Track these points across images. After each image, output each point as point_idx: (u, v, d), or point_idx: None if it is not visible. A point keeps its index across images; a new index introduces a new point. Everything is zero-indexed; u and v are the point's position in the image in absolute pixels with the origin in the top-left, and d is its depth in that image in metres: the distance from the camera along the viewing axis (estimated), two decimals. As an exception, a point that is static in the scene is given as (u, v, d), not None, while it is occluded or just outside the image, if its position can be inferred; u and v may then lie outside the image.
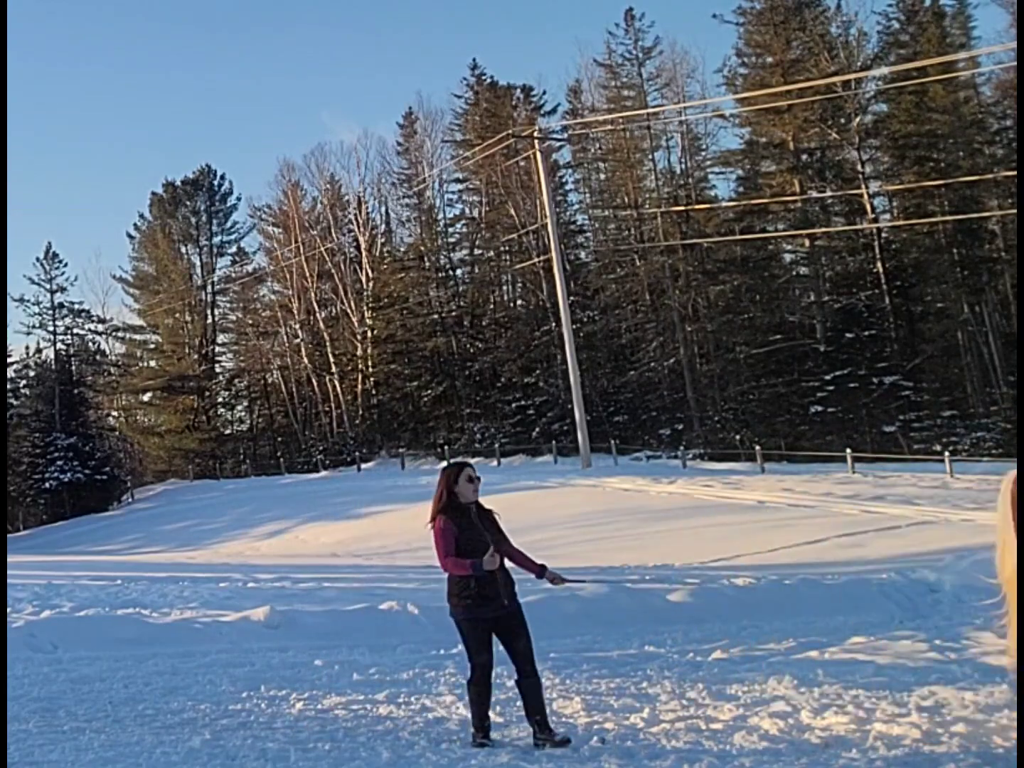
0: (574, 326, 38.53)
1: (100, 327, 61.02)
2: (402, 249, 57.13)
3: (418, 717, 6.97)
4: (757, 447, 33.14)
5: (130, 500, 50.71)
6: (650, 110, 46.05)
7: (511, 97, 53.01)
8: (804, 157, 44.27)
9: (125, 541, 34.95)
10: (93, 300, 77.64)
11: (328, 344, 54.24)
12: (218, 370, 61.61)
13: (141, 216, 62.13)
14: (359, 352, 53.26)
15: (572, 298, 40.51)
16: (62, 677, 8.47)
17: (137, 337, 64.12)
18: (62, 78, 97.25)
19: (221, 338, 62.44)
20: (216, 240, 60.89)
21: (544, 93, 53.98)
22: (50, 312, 56.40)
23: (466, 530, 6.11)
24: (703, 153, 51.09)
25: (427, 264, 54.57)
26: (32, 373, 60.95)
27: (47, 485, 50.54)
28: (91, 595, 13.93)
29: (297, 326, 55.47)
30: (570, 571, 9.70)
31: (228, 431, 62.00)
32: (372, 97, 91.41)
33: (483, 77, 53.92)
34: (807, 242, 44.04)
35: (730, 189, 50.26)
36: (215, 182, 60.74)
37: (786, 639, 9.65)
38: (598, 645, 9.81)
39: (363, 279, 53.72)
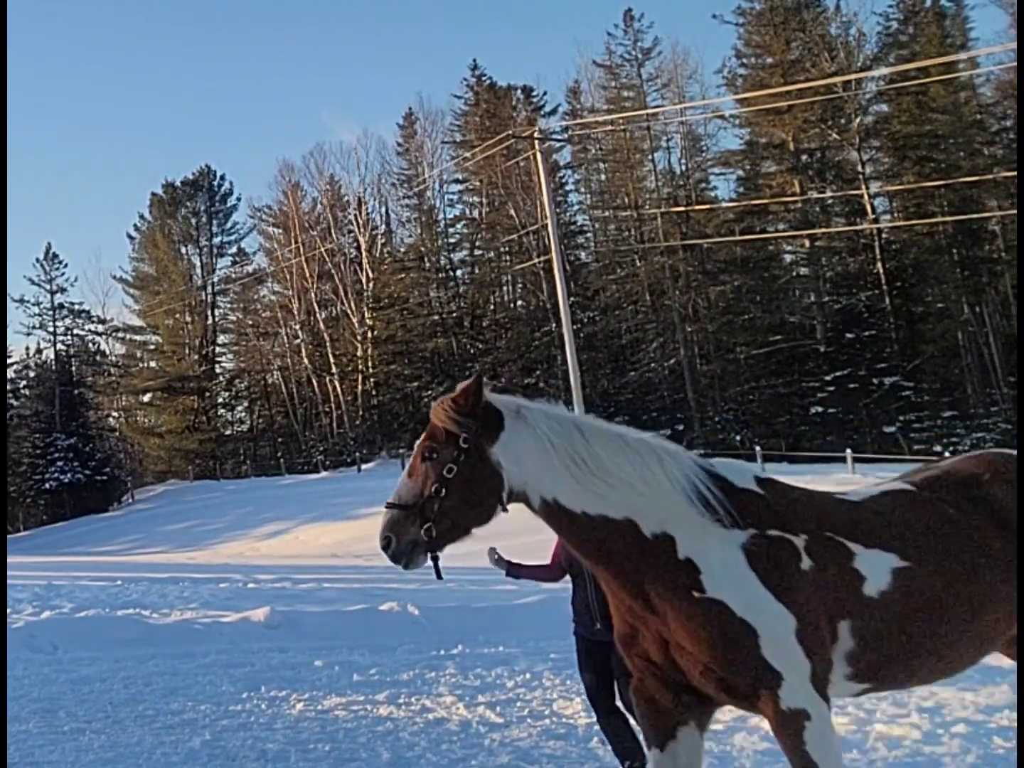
0: (574, 327, 38.47)
1: (100, 328, 61.29)
2: (402, 250, 57.13)
3: (418, 718, 6.97)
4: (757, 448, 33.10)
5: (130, 501, 50.69)
6: (650, 111, 46.00)
7: (511, 98, 53.05)
8: (804, 158, 44.26)
9: (125, 542, 34.97)
10: (93, 301, 76.59)
11: (328, 345, 54.21)
12: (218, 371, 61.63)
13: (141, 217, 62.22)
14: (359, 353, 53.23)
15: (572, 299, 40.45)
16: (62, 678, 8.47)
17: (137, 338, 64.11)
18: (62, 78, 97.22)
19: (221, 339, 62.50)
20: (216, 241, 60.97)
21: (544, 94, 54.12)
22: (50, 313, 56.58)
23: None
24: (703, 154, 51.11)
25: (427, 265, 54.58)
26: (32, 374, 61.02)
27: (47, 486, 50.56)
28: (91, 596, 13.94)
29: (297, 327, 55.45)
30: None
31: (228, 432, 61.95)
32: (372, 97, 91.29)
33: (483, 78, 53.97)
34: (807, 243, 44.01)
35: (730, 190, 50.36)
36: (215, 183, 60.75)
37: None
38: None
39: (363, 280, 53.70)
